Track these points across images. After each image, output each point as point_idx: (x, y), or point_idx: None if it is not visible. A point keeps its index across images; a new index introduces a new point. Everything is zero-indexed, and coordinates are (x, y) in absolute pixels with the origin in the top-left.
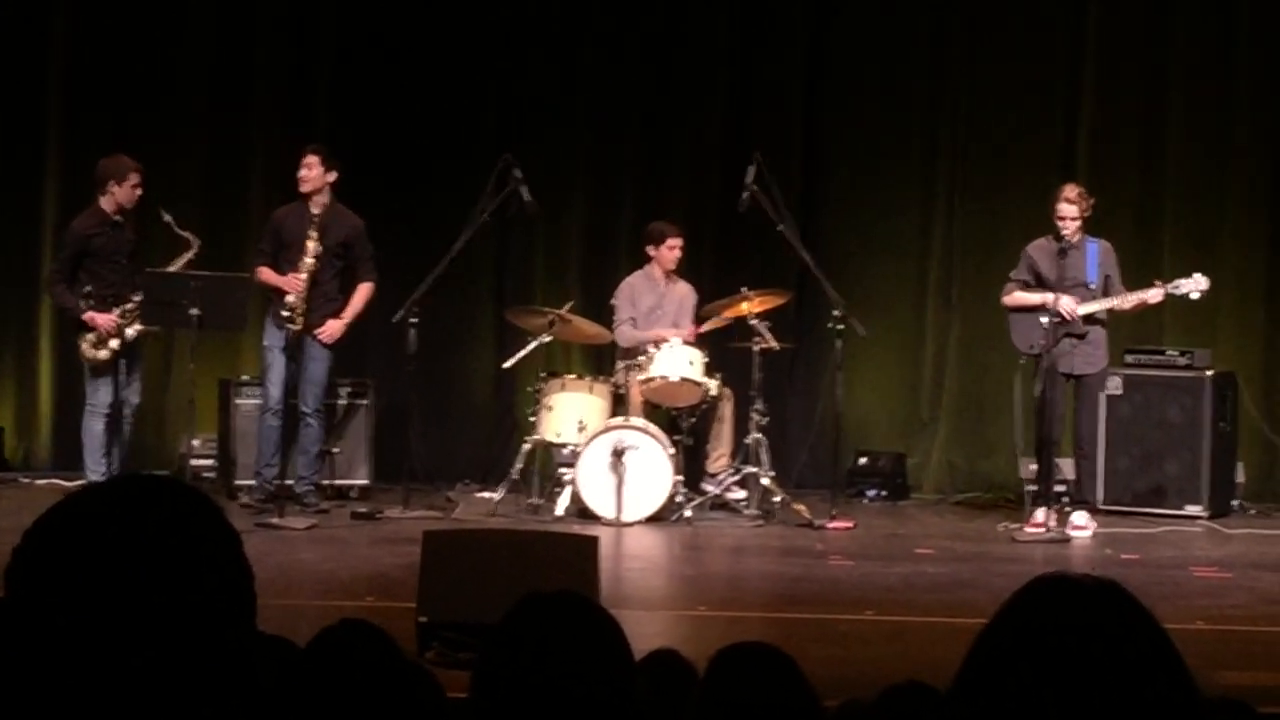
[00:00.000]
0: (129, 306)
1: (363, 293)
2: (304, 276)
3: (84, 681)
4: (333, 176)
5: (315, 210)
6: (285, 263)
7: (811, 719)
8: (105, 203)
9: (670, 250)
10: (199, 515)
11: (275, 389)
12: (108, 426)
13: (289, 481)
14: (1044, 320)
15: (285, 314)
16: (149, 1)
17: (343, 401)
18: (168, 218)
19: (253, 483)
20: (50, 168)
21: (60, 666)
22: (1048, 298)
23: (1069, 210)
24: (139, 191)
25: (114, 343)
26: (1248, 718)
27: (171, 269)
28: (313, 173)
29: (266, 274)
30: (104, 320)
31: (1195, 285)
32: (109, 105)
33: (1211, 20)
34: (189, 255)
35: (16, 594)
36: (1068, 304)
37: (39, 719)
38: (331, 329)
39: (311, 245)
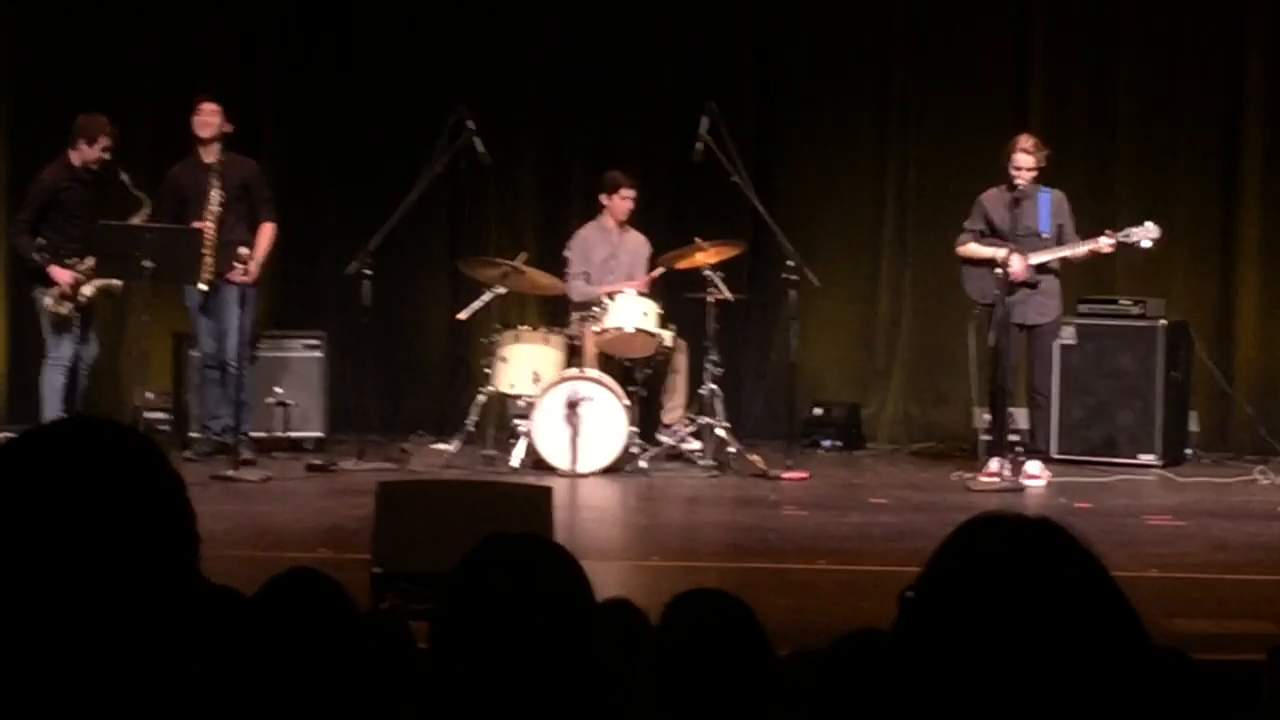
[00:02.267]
0: (89, 262)
1: (268, 232)
2: (211, 225)
3: (21, 624)
4: (229, 128)
5: (209, 159)
6: (190, 217)
7: (766, 664)
8: (74, 157)
9: (623, 200)
10: (139, 456)
11: (205, 343)
12: (67, 380)
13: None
14: (997, 270)
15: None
16: None
17: (297, 354)
18: (125, 177)
19: (201, 435)
20: (1, 121)
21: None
22: (999, 253)
23: (1025, 160)
24: (106, 156)
25: (81, 295)
26: (1183, 666)
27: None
28: (215, 119)
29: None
30: (66, 276)
31: (1146, 234)
32: (57, 64)
33: None
34: (141, 214)
35: None
36: (1018, 265)
37: None
38: (248, 271)
39: (215, 194)
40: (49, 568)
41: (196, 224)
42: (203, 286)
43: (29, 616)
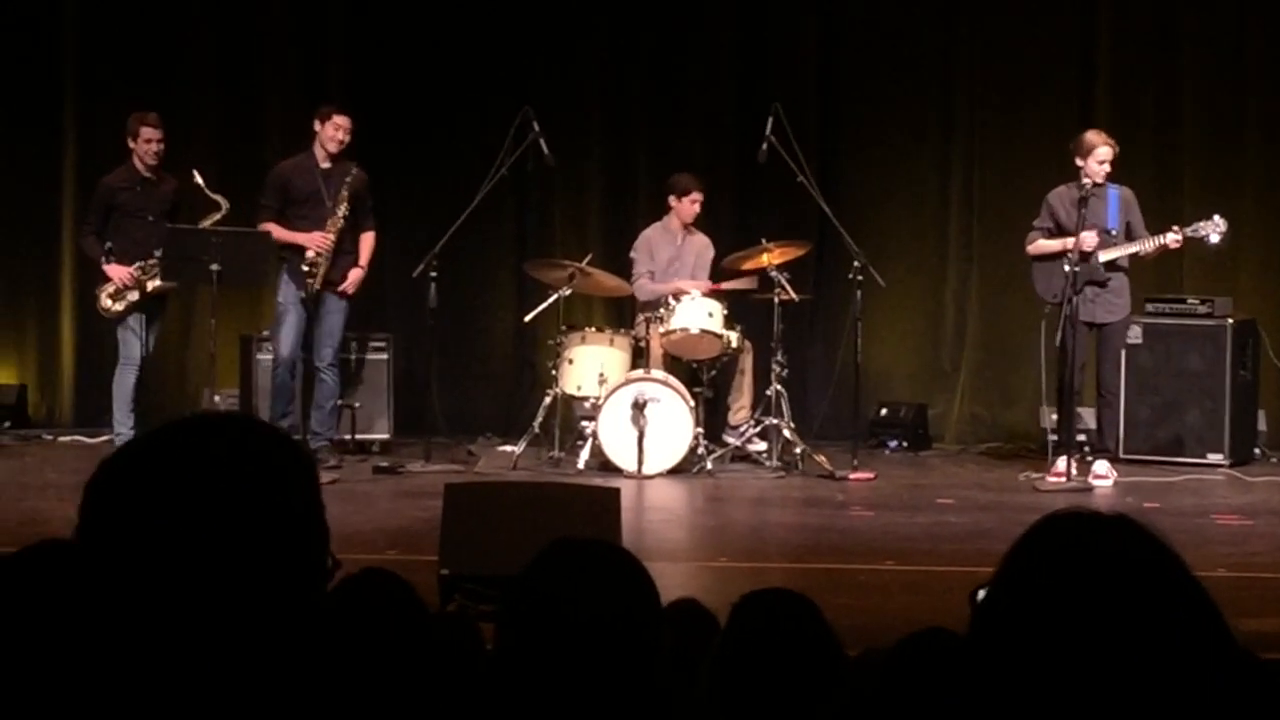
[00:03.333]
0: (150, 262)
1: (370, 241)
2: (332, 236)
3: (157, 621)
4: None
5: (325, 165)
6: (296, 218)
7: (834, 663)
8: (134, 158)
9: (692, 204)
10: (275, 450)
11: (288, 345)
12: (137, 382)
13: (305, 438)
14: (1066, 268)
15: (306, 269)
16: None
17: (365, 357)
18: (199, 179)
19: None
20: (68, 126)
21: (135, 604)
22: (1068, 242)
23: (1107, 155)
24: (154, 146)
25: (131, 295)
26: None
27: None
28: (348, 135)
29: (281, 230)
30: (120, 272)
31: (1215, 227)
32: (125, 65)
33: None
34: (218, 216)
35: (88, 534)
36: (1089, 237)
37: (120, 658)
38: (355, 278)
39: (342, 208)
40: (184, 565)
41: (319, 233)
42: (303, 294)
43: (162, 613)
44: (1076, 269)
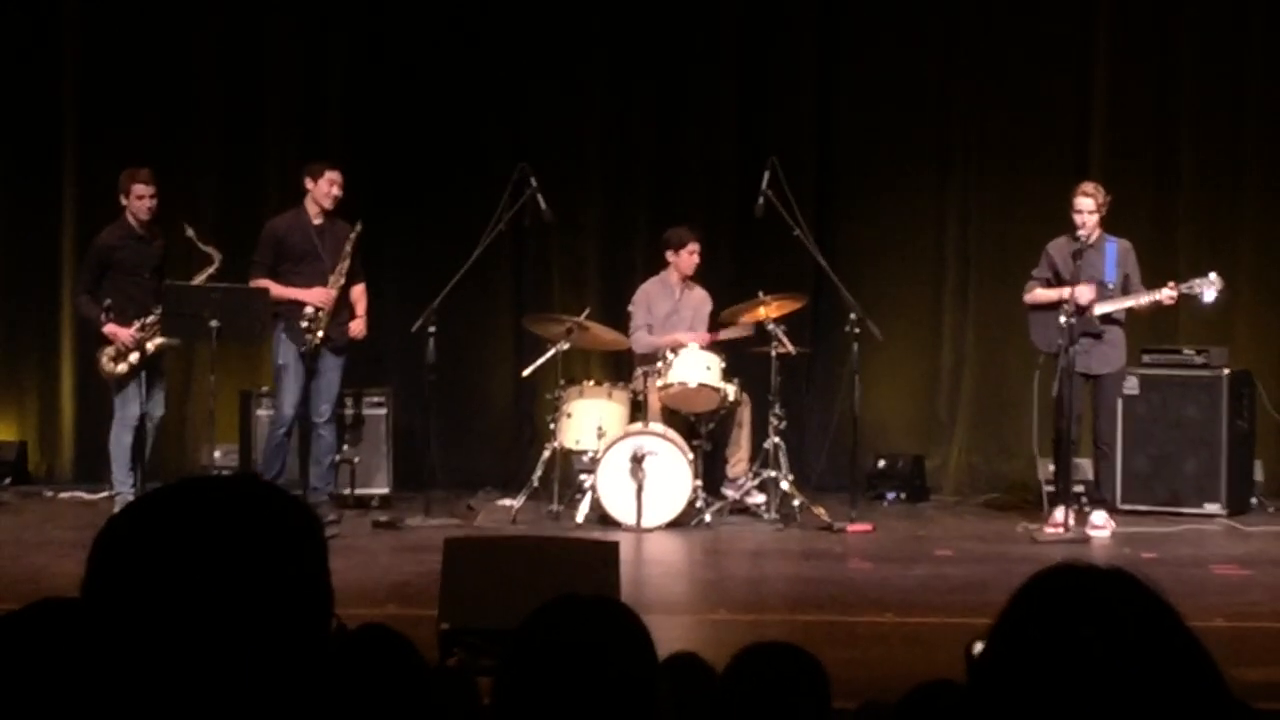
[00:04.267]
0: (149, 320)
1: (363, 293)
2: (334, 292)
3: (161, 680)
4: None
5: (318, 222)
6: (290, 274)
7: (832, 717)
8: (128, 216)
9: (690, 256)
10: (284, 512)
11: (291, 404)
12: (135, 439)
13: (303, 494)
14: (1062, 320)
15: (305, 324)
16: (161, 22)
17: (364, 412)
18: (190, 233)
19: None
20: (68, 183)
21: (139, 664)
22: (1064, 293)
23: (1085, 204)
24: (147, 203)
25: (133, 356)
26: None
27: (193, 283)
28: (341, 191)
29: (280, 287)
30: (122, 333)
31: (1210, 284)
32: (124, 120)
33: (1223, 16)
34: (210, 270)
35: (95, 591)
36: (1084, 292)
37: (123, 717)
38: (359, 328)
39: (344, 265)
40: (188, 624)
41: (320, 289)
42: (302, 350)
43: (166, 672)
44: (1072, 320)
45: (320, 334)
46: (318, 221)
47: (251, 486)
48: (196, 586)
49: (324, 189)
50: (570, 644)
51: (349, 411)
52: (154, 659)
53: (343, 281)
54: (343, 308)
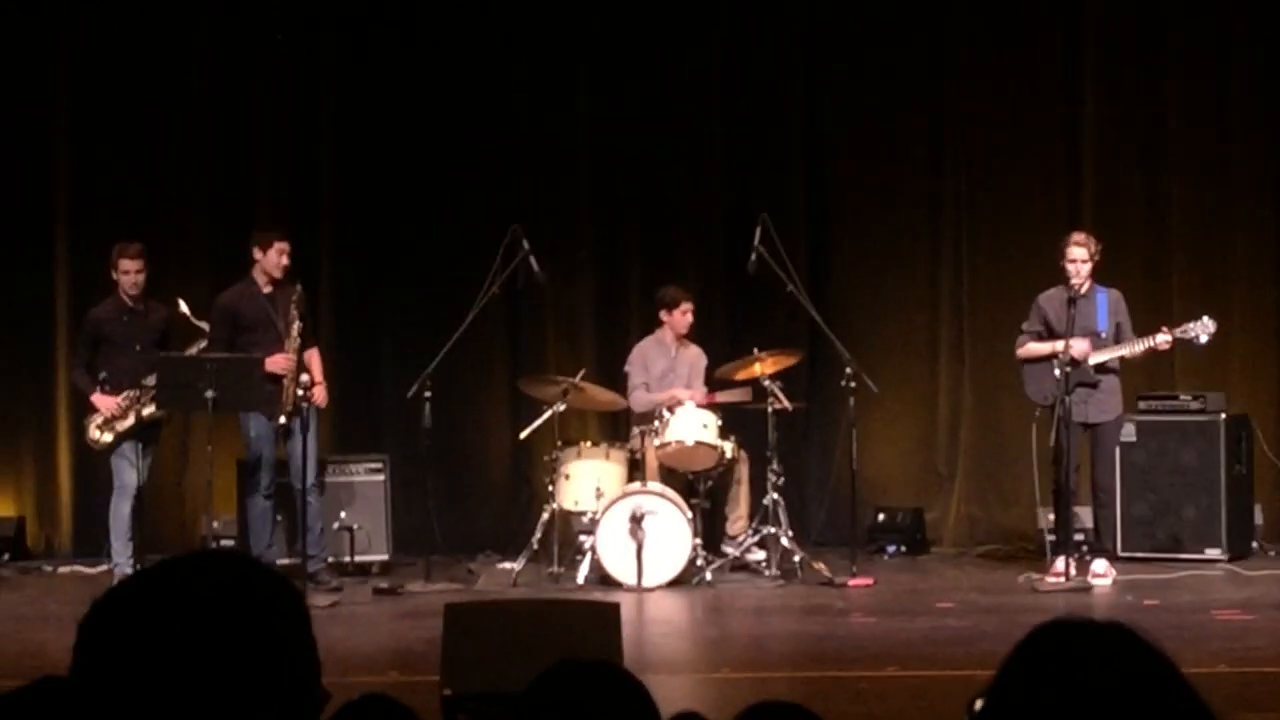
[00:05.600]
0: (135, 392)
1: (318, 357)
2: (293, 357)
3: None
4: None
5: (268, 290)
6: (249, 345)
7: None
8: (119, 290)
9: (684, 315)
10: (270, 588)
11: (269, 474)
12: (133, 511)
13: (300, 562)
14: (1056, 371)
15: (270, 391)
16: (151, 90)
17: (362, 478)
18: (184, 308)
19: None
20: (60, 257)
21: None
22: (1058, 346)
23: (1078, 254)
24: (132, 278)
25: (120, 425)
26: None
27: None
28: (287, 259)
29: None
30: (106, 402)
31: (1203, 329)
32: (117, 194)
33: (1208, 63)
34: (203, 344)
35: (83, 666)
36: (1079, 346)
37: None
38: (321, 394)
39: (296, 326)
40: (177, 701)
41: (279, 355)
42: (283, 420)
43: None
44: (1068, 370)
45: (290, 405)
46: (267, 290)
47: (231, 563)
48: (179, 665)
49: (274, 259)
50: (573, 709)
51: (346, 479)
52: None
53: (298, 343)
54: (301, 372)
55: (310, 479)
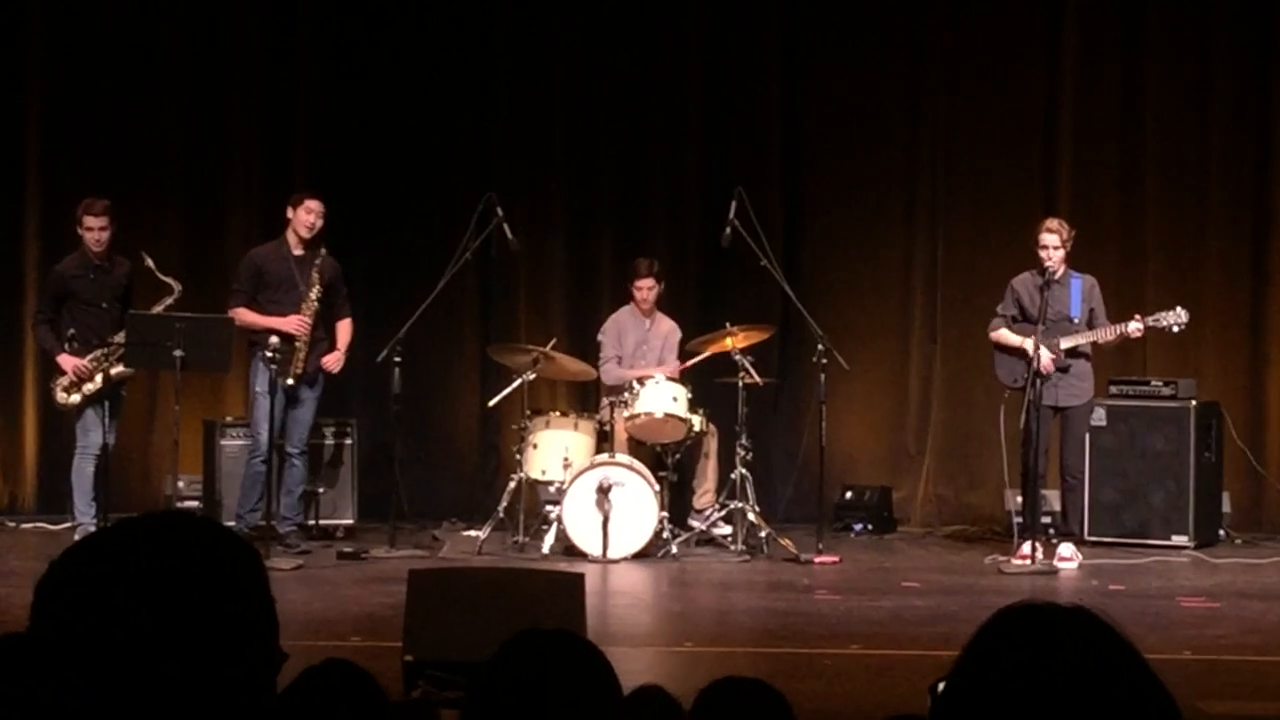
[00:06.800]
0: (103, 351)
1: (348, 327)
2: (309, 320)
3: (105, 713)
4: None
5: (298, 252)
6: (269, 304)
7: None
8: (84, 246)
9: (637, 290)
10: (227, 549)
11: (266, 433)
12: (97, 469)
13: (272, 523)
14: (1029, 351)
15: (270, 355)
16: (125, 49)
17: (328, 442)
18: (149, 263)
19: (234, 525)
20: (30, 213)
21: (83, 697)
22: (1028, 344)
23: (1050, 240)
24: (95, 234)
25: (87, 387)
26: None
27: (155, 312)
28: (321, 220)
29: (257, 316)
30: (71, 363)
31: (1175, 319)
32: (87, 147)
33: (1187, 55)
34: (170, 300)
35: (40, 625)
36: (1046, 359)
37: None
38: (335, 360)
39: (315, 291)
40: (133, 657)
41: (294, 316)
42: (290, 381)
43: (111, 707)
44: (1038, 355)
45: (301, 367)
46: (298, 252)
47: (187, 523)
48: (135, 623)
49: (303, 218)
50: (535, 679)
51: (313, 443)
52: (99, 694)
53: (315, 309)
54: (318, 339)
55: (300, 444)
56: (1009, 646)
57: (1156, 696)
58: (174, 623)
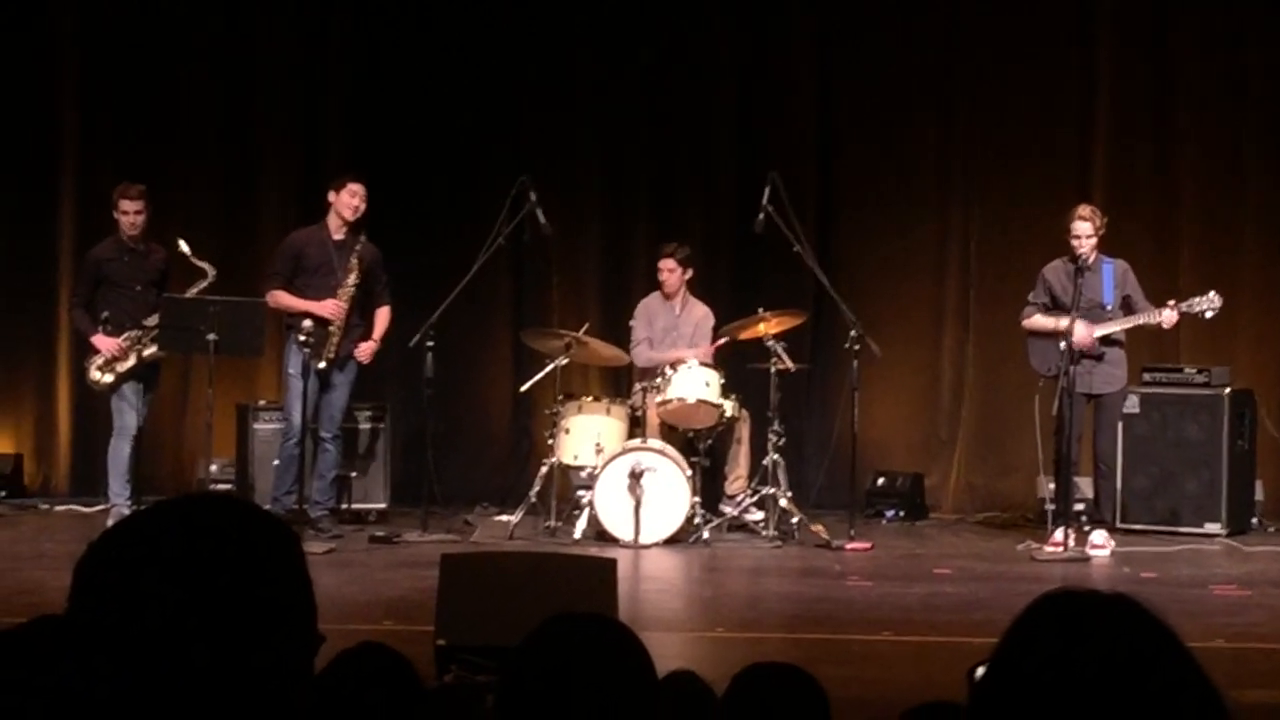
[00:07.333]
0: (136, 333)
1: (385, 315)
2: (345, 305)
3: (143, 694)
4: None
5: (338, 237)
6: (306, 288)
7: None
8: (119, 229)
9: (659, 273)
10: (266, 531)
11: (299, 416)
12: (132, 451)
13: (304, 507)
14: (1062, 344)
15: (303, 339)
16: (160, 36)
17: (361, 426)
18: (185, 247)
19: (269, 508)
20: (66, 196)
21: (121, 678)
22: (1062, 324)
23: (1083, 228)
24: (130, 218)
25: (121, 366)
26: None
27: (188, 295)
28: (363, 203)
29: (293, 299)
30: (107, 344)
31: (1210, 303)
32: (123, 133)
33: (1221, 37)
34: (204, 284)
35: (79, 606)
36: (1081, 332)
37: None
38: (368, 350)
39: (353, 276)
40: (172, 639)
41: (329, 301)
42: (322, 365)
43: (149, 687)
44: (1071, 338)
45: (334, 351)
46: (338, 237)
47: (227, 505)
48: (173, 605)
49: (345, 200)
50: (569, 663)
51: (346, 427)
52: (138, 676)
53: (351, 294)
54: (354, 325)
55: (333, 429)
56: (1050, 633)
57: (1199, 685)
58: (212, 604)
